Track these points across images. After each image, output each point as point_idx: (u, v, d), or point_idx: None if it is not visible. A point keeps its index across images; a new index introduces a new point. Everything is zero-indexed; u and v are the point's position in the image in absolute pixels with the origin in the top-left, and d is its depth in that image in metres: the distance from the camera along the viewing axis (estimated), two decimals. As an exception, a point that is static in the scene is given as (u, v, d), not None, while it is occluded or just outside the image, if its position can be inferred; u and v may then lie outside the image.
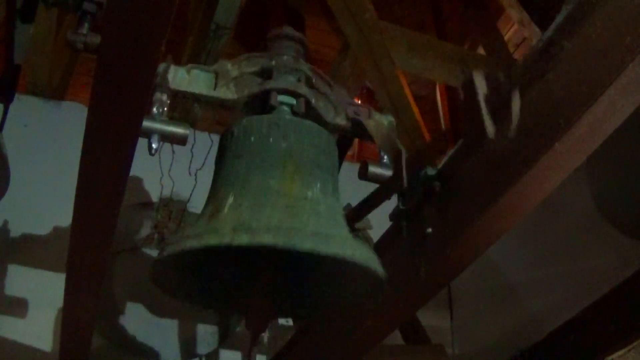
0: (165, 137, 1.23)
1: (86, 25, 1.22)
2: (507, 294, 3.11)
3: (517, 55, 3.69)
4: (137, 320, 2.73)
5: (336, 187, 1.28)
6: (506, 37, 3.77)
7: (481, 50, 3.71)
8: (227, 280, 1.36)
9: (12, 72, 1.76)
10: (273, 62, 1.34)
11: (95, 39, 1.19)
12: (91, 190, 1.20)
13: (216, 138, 1.53)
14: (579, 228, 2.70)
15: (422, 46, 3.06)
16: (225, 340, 2.93)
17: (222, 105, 1.35)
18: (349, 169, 1.88)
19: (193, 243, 1.06)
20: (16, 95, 1.82)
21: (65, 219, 1.42)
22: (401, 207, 1.24)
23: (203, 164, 2.85)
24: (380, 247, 1.46)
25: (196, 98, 1.34)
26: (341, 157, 1.52)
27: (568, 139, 0.90)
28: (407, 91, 3.13)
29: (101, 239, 1.34)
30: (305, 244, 1.01)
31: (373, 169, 1.35)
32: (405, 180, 1.16)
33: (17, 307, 2.78)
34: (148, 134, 1.20)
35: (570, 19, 0.88)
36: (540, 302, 2.84)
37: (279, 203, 1.11)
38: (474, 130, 0.99)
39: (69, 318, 1.70)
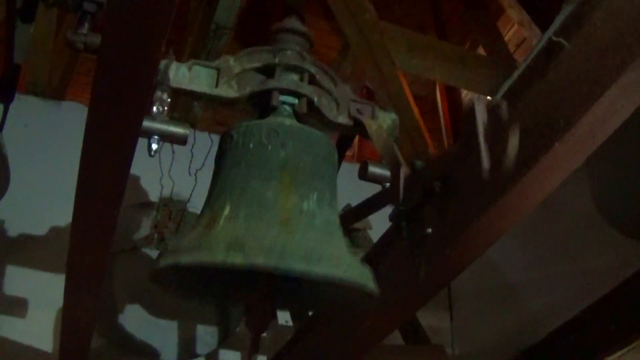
0: (165, 137, 1.23)
1: (86, 25, 1.22)
2: (507, 294, 3.11)
3: (517, 55, 3.69)
4: (136, 320, 2.73)
5: (334, 193, 1.27)
6: (506, 38, 3.77)
7: (481, 51, 3.71)
8: (227, 280, 1.36)
9: (12, 72, 1.76)
10: (276, 60, 1.32)
11: (96, 39, 1.19)
12: (91, 190, 1.20)
13: (216, 138, 1.53)
14: (579, 228, 2.70)
15: (422, 46, 3.06)
16: (224, 340, 2.93)
17: (223, 103, 1.35)
18: (349, 169, 1.88)
19: (188, 259, 1.08)
20: (16, 95, 1.82)
21: (65, 219, 1.42)
22: (401, 207, 1.24)
23: (203, 164, 2.85)
24: (380, 247, 1.46)
25: (197, 96, 1.34)
26: (341, 156, 1.51)
27: (568, 139, 0.90)
28: (407, 91, 3.13)
29: (101, 239, 1.34)
30: (297, 267, 1.03)
31: (373, 169, 1.35)
32: (401, 196, 1.16)
33: (17, 307, 2.78)
34: (148, 134, 1.20)
35: (570, 19, 0.88)
36: (540, 302, 2.83)
37: (274, 217, 1.12)
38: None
39: (69, 318, 1.70)
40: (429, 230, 1.16)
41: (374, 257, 1.46)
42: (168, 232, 2.87)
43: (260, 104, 1.34)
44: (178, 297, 1.38)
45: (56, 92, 3.43)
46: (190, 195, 2.90)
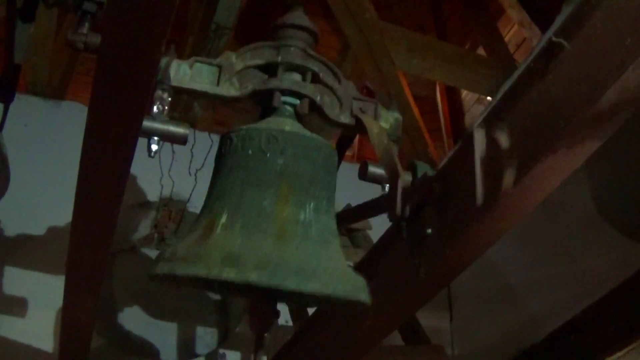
0: (165, 137, 1.22)
1: (86, 25, 1.22)
2: (507, 294, 3.11)
3: (517, 55, 3.69)
4: (136, 320, 2.73)
5: (332, 199, 1.27)
6: (506, 38, 3.78)
7: (481, 51, 3.71)
8: (227, 282, 1.36)
9: (12, 72, 1.76)
10: (279, 58, 1.30)
11: (96, 39, 1.18)
12: (91, 190, 1.20)
13: (216, 138, 1.53)
14: (579, 228, 2.70)
15: (422, 46, 3.07)
16: (224, 340, 2.93)
17: (224, 101, 1.34)
18: (349, 169, 1.88)
19: (183, 271, 1.10)
20: (16, 95, 1.82)
21: (65, 219, 1.42)
22: (401, 223, 1.24)
23: (203, 164, 2.85)
24: (380, 247, 1.46)
25: (198, 95, 1.33)
26: (341, 155, 1.50)
27: (568, 140, 0.90)
28: (407, 91, 3.14)
29: (101, 239, 1.34)
30: (289, 284, 1.05)
31: (373, 169, 1.34)
32: (398, 209, 1.16)
33: (17, 307, 2.78)
34: (148, 134, 1.20)
35: (570, 20, 0.88)
36: (540, 302, 2.84)
37: (270, 228, 1.13)
38: (463, 192, 1.01)
39: (68, 318, 1.70)
40: (429, 230, 1.16)
41: (374, 257, 1.46)
42: (168, 232, 2.87)
43: (262, 103, 1.33)
44: (178, 291, 1.39)
45: (56, 92, 3.43)
46: (190, 195, 2.91)
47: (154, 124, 1.20)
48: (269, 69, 1.33)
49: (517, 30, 3.71)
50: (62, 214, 1.88)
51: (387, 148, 1.21)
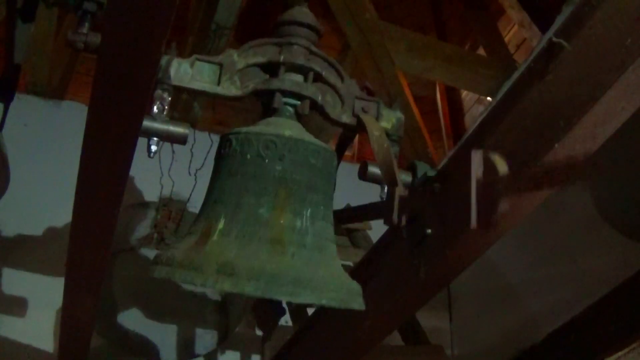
0: (165, 137, 1.22)
1: (86, 25, 1.21)
2: (506, 294, 3.11)
3: (517, 56, 3.69)
4: (136, 320, 2.73)
5: (329, 204, 1.27)
6: (506, 38, 3.78)
7: (481, 51, 3.72)
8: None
9: (12, 71, 1.76)
10: (281, 58, 1.29)
11: (96, 39, 1.18)
12: (91, 190, 1.20)
13: (216, 138, 1.53)
14: (579, 228, 2.71)
15: (422, 46, 3.07)
16: (224, 340, 2.94)
17: (225, 99, 1.33)
18: (349, 169, 1.88)
19: (180, 278, 1.12)
20: (16, 95, 1.82)
21: (65, 219, 1.42)
22: (403, 235, 1.24)
23: (203, 164, 2.85)
24: (380, 247, 1.46)
25: (198, 94, 1.33)
26: (341, 154, 1.49)
27: (568, 140, 0.90)
28: (407, 91, 3.14)
29: (101, 239, 1.34)
30: (283, 295, 1.07)
31: (373, 169, 1.34)
32: (395, 218, 1.16)
33: (17, 307, 2.78)
34: (148, 134, 1.20)
35: (570, 20, 0.88)
36: (540, 303, 2.84)
37: (266, 236, 1.15)
38: (457, 214, 1.02)
39: (68, 318, 1.70)
40: (429, 230, 1.16)
41: (374, 257, 1.46)
42: (168, 232, 2.87)
43: (263, 102, 1.33)
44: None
45: (56, 92, 3.43)
46: (190, 195, 2.91)
47: (154, 124, 1.20)
48: (271, 68, 1.31)
49: (517, 31, 3.71)
50: (62, 214, 1.88)
51: (386, 154, 1.20)
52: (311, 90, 1.30)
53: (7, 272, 2.85)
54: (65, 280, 1.52)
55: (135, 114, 1.03)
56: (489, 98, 3.53)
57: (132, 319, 2.72)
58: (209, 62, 1.30)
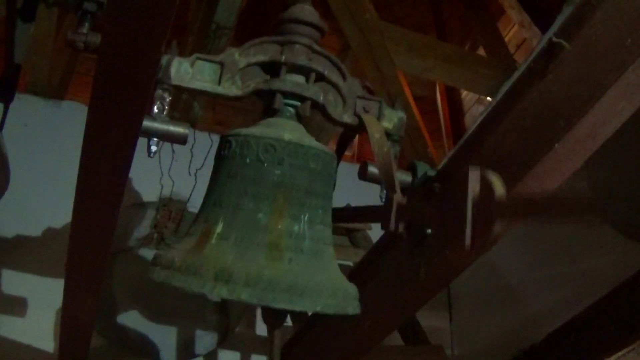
0: (165, 137, 1.22)
1: (86, 25, 1.21)
2: (506, 294, 3.11)
3: (518, 56, 3.69)
4: (136, 320, 2.72)
5: (328, 207, 1.27)
6: (506, 38, 3.78)
7: (481, 51, 3.72)
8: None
9: (12, 71, 1.76)
10: (283, 57, 1.28)
11: (96, 39, 1.18)
12: (91, 190, 1.20)
13: (216, 138, 1.52)
14: (579, 228, 2.70)
15: (422, 46, 3.07)
16: (224, 340, 2.93)
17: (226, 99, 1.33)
18: (349, 169, 1.88)
19: (178, 283, 1.12)
20: (16, 95, 1.81)
21: (65, 219, 1.42)
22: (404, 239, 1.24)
23: (203, 164, 2.84)
24: (380, 247, 1.46)
25: (199, 94, 1.32)
26: (341, 153, 1.49)
27: (568, 140, 0.90)
28: (407, 91, 3.14)
29: (101, 239, 1.34)
30: (279, 303, 1.08)
31: (373, 169, 1.34)
32: (392, 225, 1.17)
33: (17, 307, 2.78)
34: (148, 134, 1.19)
35: (570, 20, 0.88)
36: (540, 303, 2.84)
37: (264, 242, 1.15)
38: (452, 230, 1.02)
39: (68, 318, 1.70)
40: (429, 230, 1.16)
41: (374, 257, 1.46)
42: (168, 232, 2.86)
43: (263, 102, 1.32)
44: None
45: (56, 92, 3.43)
46: (190, 195, 2.90)
47: (154, 124, 1.20)
48: (272, 67, 1.30)
49: (517, 31, 3.71)
50: (62, 214, 1.89)
51: (386, 157, 1.20)
52: (312, 91, 1.29)
53: (7, 272, 2.85)
54: (65, 280, 1.52)
55: (135, 114, 1.03)
56: (489, 98, 3.53)
57: (132, 319, 2.72)
58: (209, 61, 1.29)
